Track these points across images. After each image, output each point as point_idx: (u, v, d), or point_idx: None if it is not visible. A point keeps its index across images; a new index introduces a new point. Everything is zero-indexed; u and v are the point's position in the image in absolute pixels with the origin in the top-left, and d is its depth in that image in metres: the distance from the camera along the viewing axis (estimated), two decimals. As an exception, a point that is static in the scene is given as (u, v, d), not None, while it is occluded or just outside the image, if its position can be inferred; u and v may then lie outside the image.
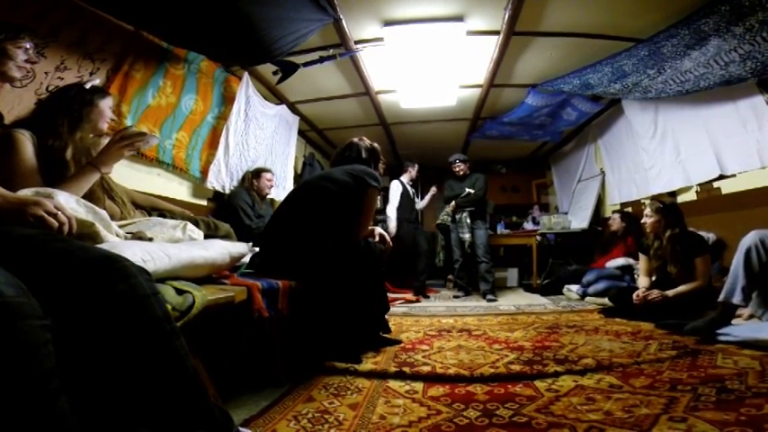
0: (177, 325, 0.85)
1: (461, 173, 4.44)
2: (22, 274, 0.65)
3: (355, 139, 2.31)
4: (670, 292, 2.42)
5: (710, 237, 2.90)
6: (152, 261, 1.01)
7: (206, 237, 2.14)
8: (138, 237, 1.27)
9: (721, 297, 1.93)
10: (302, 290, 1.79)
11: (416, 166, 4.91)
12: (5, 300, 0.58)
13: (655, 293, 2.45)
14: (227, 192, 3.30)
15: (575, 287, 3.86)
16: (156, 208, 2.10)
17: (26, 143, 1.31)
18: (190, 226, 1.54)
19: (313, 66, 3.07)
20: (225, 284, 1.39)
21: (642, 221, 2.74)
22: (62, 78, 1.94)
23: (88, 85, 1.57)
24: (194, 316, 0.97)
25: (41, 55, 1.85)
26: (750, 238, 1.90)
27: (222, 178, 3.24)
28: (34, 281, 0.66)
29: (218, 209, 3.30)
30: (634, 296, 2.52)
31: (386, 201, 4.82)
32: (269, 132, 3.90)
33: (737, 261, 1.91)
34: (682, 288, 2.39)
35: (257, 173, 3.44)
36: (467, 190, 4.24)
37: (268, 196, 3.53)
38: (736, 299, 1.88)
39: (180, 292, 1.00)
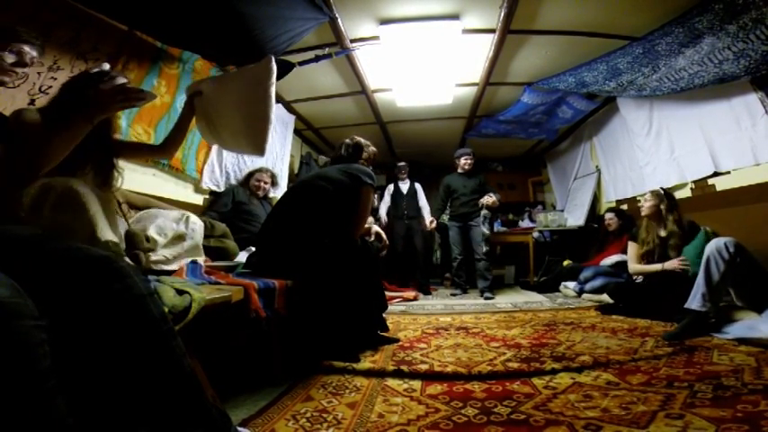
0: (176, 328, 0.85)
1: (468, 167, 4.43)
2: (17, 275, 0.64)
3: (346, 139, 2.31)
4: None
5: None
6: None
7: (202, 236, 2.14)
8: (134, 237, 1.26)
9: (686, 304, 2.00)
10: (300, 289, 1.78)
11: (396, 165, 5.18)
12: (0, 300, 0.58)
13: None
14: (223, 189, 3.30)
15: (571, 284, 3.87)
16: (151, 208, 2.09)
17: (34, 113, 1.29)
18: (192, 218, 1.52)
19: (309, 64, 3.06)
20: (221, 284, 1.39)
21: (639, 205, 2.79)
22: (55, 78, 1.92)
23: (95, 70, 1.52)
24: (193, 317, 0.97)
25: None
26: (708, 249, 2.00)
27: (216, 178, 3.24)
28: (30, 281, 0.66)
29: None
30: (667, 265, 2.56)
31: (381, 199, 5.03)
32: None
33: (700, 270, 2.00)
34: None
35: (252, 173, 3.46)
36: (482, 203, 4.22)
37: (270, 195, 3.53)
38: (695, 305, 1.95)
39: (179, 292, 1.00)
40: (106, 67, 1.44)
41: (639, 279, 2.82)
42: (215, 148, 3.18)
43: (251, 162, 3.58)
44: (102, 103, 1.26)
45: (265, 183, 3.44)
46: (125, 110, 2.37)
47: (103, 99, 1.26)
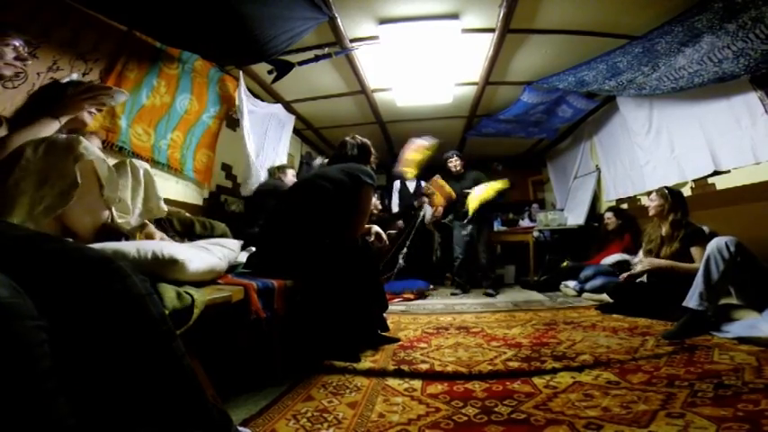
0: (179, 332, 0.85)
1: (456, 169, 4.42)
2: (16, 275, 0.64)
3: (348, 138, 2.30)
4: (666, 262, 2.46)
5: (703, 228, 2.93)
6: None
7: (201, 237, 2.14)
8: None
9: (684, 302, 1.99)
10: (300, 289, 1.78)
11: None
12: (0, 301, 0.58)
13: (647, 262, 2.52)
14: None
15: (572, 283, 3.86)
16: None
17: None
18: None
19: (308, 64, 3.06)
20: (219, 284, 1.39)
21: (646, 205, 2.77)
22: (54, 79, 1.92)
23: (65, 80, 1.56)
24: (195, 320, 0.97)
25: (33, 56, 1.84)
26: (709, 248, 1.98)
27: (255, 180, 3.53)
28: (29, 281, 0.66)
29: (247, 202, 3.54)
30: (625, 274, 2.66)
31: (383, 198, 5.20)
32: (259, 131, 3.91)
33: (700, 268, 1.99)
34: (682, 265, 2.40)
35: (282, 168, 3.60)
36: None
37: None
38: (693, 303, 1.95)
39: (179, 294, 0.99)
40: (75, 77, 1.48)
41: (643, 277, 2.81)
42: (252, 151, 3.44)
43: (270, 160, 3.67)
44: (68, 101, 1.30)
45: (295, 179, 3.59)
46: (128, 110, 2.39)
47: (71, 98, 1.31)
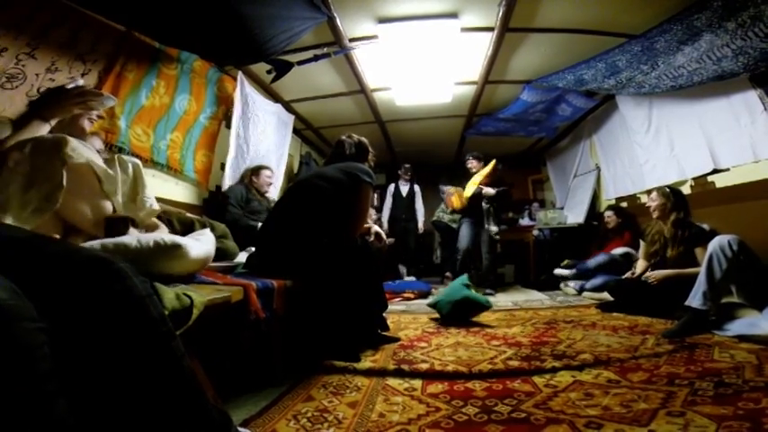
0: (178, 333, 0.85)
1: (473, 171, 4.37)
2: (15, 277, 0.64)
3: (343, 137, 2.29)
4: (672, 272, 2.46)
5: (704, 228, 2.94)
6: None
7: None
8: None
9: (687, 301, 1.99)
10: (300, 289, 1.78)
11: (403, 166, 5.51)
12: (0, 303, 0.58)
13: (655, 274, 2.52)
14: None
15: (572, 282, 3.87)
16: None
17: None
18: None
19: (307, 64, 3.06)
20: (219, 285, 1.39)
21: (647, 205, 2.77)
22: (53, 80, 1.92)
23: (71, 86, 1.56)
24: (194, 320, 0.97)
25: (32, 56, 1.83)
26: (711, 247, 1.98)
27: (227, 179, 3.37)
28: (29, 283, 0.66)
29: (212, 206, 3.34)
30: (629, 273, 2.72)
31: (382, 199, 5.24)
32: (271, 129, 3.89)
33: (702, 267, 1.99)
34: (688, 270, 2.38)
35: (256, 170, 3.47)
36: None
37: (267, 194, 3.51)
38: (696, 302, 1.94)
39: (178, 295, 0.99)
40: (80, 82, 1.51)
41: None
42: (232, 150, 3.34)
43: (249, 161, 3.59)
44: (56, 104, 1.31)
45: (270, 179, 3.49)
46: (127, 110, 2.39)
47: (59, 101, 1.33)
